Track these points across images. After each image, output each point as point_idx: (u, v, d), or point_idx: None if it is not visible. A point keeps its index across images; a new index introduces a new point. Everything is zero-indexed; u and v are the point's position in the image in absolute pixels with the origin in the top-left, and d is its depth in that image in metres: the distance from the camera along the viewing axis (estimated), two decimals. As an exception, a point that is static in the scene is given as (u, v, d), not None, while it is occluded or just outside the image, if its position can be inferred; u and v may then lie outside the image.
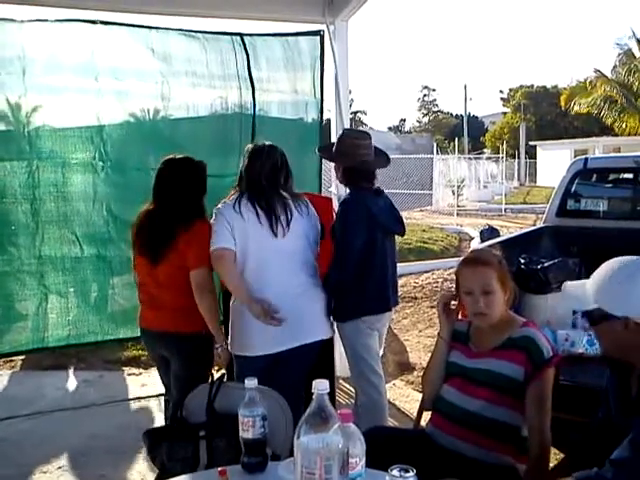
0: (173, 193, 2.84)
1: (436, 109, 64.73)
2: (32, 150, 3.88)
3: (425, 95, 65.25)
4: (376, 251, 3.01)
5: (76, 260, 3.96)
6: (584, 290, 1.55)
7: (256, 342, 2.72)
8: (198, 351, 2.82)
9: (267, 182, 2.75)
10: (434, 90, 65.18)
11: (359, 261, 2.95)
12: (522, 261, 3.52)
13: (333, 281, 2.92)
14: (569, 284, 1.63)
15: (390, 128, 62.79)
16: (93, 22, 4.01)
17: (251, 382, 1.69)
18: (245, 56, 4.44)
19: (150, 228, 2.85)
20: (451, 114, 62.57)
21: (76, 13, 4.02)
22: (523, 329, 2.06)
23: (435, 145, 24.27)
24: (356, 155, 3.07)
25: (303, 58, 4.66)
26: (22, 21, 3.91)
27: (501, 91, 49.17)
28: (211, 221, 2.71)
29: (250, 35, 4.45)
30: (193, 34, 4.30)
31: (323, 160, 4.56)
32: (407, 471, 1.38)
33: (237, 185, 2.81)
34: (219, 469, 1.38)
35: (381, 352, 5.13)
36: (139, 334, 4.39)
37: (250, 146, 2.88)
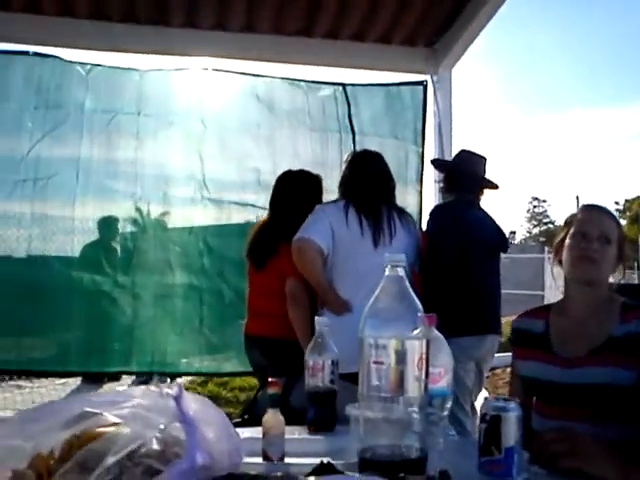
0: (287, 204, 2.89)
1: (547, 220, 63.01)
2: (137, 182, 4.05)
3: (535, 206, 63.97)
4: (472, 266, 2.74)
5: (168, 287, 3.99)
6: None
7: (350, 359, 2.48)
8: (293, 357, 2.64)
9: (376, 189, 2.63)
10: (544, 201, 63.77)
11: (452, 276, 2.69)
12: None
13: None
14: None
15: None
16: (205, 69, 4.27)
17: (322, 320, 1.48)
18: (346, 105, 4.50)
19: (259, 235, 2.95)
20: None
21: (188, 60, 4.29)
22: (627, 325, 1.59)
23: (547, 250, 23.30)
24: (469, 167, 2.92)
25: (406, 109, 4.64)
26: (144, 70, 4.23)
27: (616, 202, 47.21)
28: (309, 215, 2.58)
29: (352, 85, 4.53)
30: (296, 82, 4.44)
31: (423, 203, 4.43)
32: (508, 400, 1.11)
33: (341, 194, 2.71)
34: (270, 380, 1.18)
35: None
36: (222, 371, 4.31)
37: (352, 152, 2.84)
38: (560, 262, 1.78)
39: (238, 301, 3.92)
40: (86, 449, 0.88)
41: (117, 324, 3.89)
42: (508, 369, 7.60)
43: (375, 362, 1.01)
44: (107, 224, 4.04)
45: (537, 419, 1.68)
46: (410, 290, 1.06)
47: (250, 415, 2.17)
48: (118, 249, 4.02)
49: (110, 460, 0.85)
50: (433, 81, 4.52)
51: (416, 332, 1.05)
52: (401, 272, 1.06)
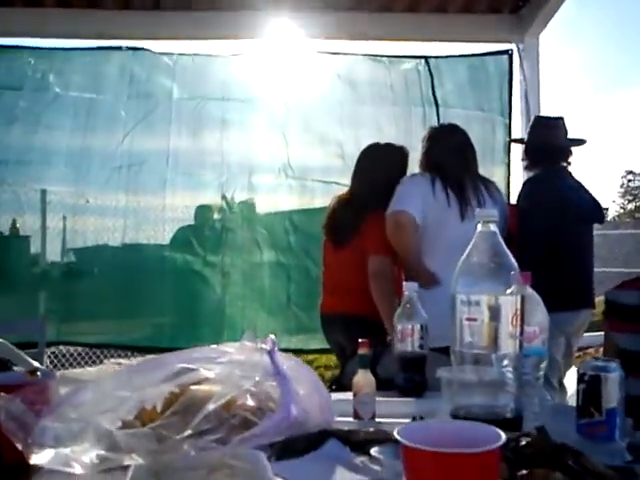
0: (370, 177, 2.79)
1: (645, 196, 59.12)
2: (223, 169, 4.17)
3: (630, 181, 60.22)
4: (567, 238, 2.62)
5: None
6: None
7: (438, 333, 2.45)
8: (374, 334, 2.62)
9: (456, 162, 2.57)
10: (640, 175, 59.76)
11: (546, 249, 2.58)
12: None
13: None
14: None
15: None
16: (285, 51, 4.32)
17: (411, 285, 1.47)
18: (430, 78, 4.41)
19: (339, 210, 2.83)
20: (664, 201, 56.65)
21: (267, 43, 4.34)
22: None
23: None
24: (546, 135, 2.78)
25: (491, 80, 4.49)
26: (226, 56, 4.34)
27: None
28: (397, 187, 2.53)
29: (435, 57, 4.43)
30: (377, 58, 4.39)
31: (511, 176, 4.29)
32: (608, 361, 1.07)
33: (422, 168, 2.65)
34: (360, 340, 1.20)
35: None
36: (310, 347, 4.36)
37: (429, 128, 2.78)
38: None
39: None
40: (186, 397, 0.92)
41: (209, 303, 4.04)
42: (601, 349, 7.24)
43: (468, 319, 0.99)
44: (202, 211, 4.21)
45: (638, 386, 1.61)
46: (503, 246, 1.03)
47: (338, 386, 2.18)
48: (208, 234, 4.15)
49: (210, 407, 0.88)
50: (519, 49, 4.34)
51: (510, 290, 1.03)
52: (493, 228, 1.03)
